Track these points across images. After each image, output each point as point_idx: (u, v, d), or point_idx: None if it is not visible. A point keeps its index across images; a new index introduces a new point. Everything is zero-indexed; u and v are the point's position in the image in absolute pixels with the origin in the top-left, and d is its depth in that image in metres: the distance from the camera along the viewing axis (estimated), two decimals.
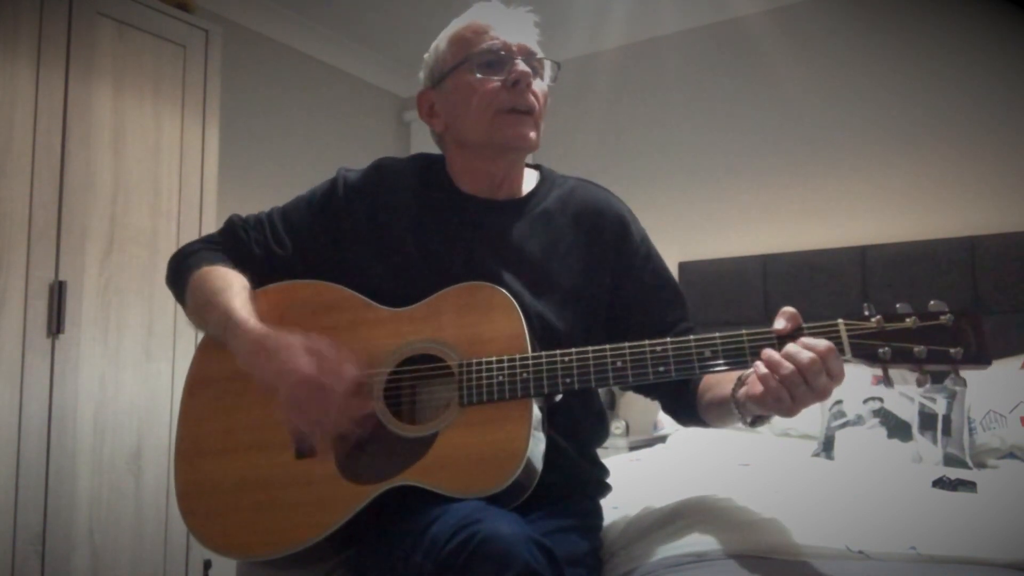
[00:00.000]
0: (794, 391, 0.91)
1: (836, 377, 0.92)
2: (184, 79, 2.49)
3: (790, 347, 0.93)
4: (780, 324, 0.97)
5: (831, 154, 3.12)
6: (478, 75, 1.16)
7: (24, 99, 2.09)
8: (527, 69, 1.16)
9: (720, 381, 1.11)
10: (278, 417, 1.04)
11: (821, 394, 0.91)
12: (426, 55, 1.25)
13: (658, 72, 3.56)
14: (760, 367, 0.93)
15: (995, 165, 2.81)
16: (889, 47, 3.04)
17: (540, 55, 1.20)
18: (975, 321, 0.93)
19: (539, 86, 1.19)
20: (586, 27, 3.56)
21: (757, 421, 1.05)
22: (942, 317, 0.94)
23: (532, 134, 1.17)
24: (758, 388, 0.95)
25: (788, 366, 0.91)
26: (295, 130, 3.54)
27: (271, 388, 1.02)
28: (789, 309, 0.98)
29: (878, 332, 0.95)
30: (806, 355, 0.90)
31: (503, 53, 1.16)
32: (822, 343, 0.92)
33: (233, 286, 1.13)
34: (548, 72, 1.23)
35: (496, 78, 1.15)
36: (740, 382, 1.03)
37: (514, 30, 1.19)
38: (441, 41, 1.22)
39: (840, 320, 0.96)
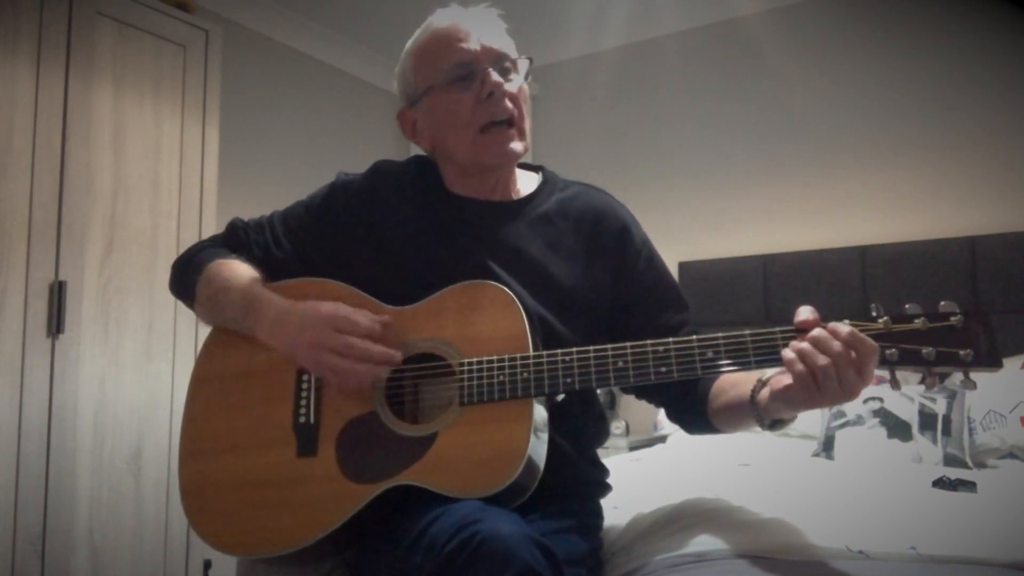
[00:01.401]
0: (821, 381, 0.89)
1: (864, 364, 0.89)
2: (184, 79, 2.49)
3: (818, 332, 0.91)
4: (803, 316, 0.95)
5: (831, 154, 3.12)
6: (451, 92, 1.14)
7: (24, 99, 2.09)
8: (499, 79, 1.14)
9: (736, 384, 1.10)
10: (309, 368, 1.07)
11: (848, 387, 0.89)
12: (397, 69, 1.23)
13: (658, 72, 3.56)
14: (788, 353, 0.92)
15: (995, 165, 2.81)
16: (889, 47, 3.04)
17: (512, 56, 1.18)
18: (985, 322, 0.91)
19: (515, 85, 1.16)
20: (586, 27, 3.56)
21: (776, 424, 1.04)
22: (952, 318, 0.91)
23: (516, 145, 1.16)
24: (783, 381, 0.94)
25: (819, 355, 0.89)
26: (295, 130, 3.54)
27: (296, 345, 1.05)
28: (807, 308, 0.96)
29: (886, 333, 0.93)
30: (836, 345, 0.89)
31: (472, 66, 1.14)
32: (844, 328, 0.91)
33: (249, 272, 1.17)
34: (523, 66, 1.19)
35: (469, 92, 1.13)
36: (761, 383, 1.02)
37: (479, 32, 1.15)
38: (408, 57, 1.20)
39: (847, 321, 0.94)
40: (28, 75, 2.09)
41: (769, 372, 1.01)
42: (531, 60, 1.21)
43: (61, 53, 2.16)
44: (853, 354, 0.89)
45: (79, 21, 2.20)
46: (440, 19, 1.18)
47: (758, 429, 1.07)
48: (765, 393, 1.01)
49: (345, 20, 3.55)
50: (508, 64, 1.17)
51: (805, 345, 0.91)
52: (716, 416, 1.15)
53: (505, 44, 1.18)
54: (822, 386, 0.89)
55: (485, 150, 1.15)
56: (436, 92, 1.16)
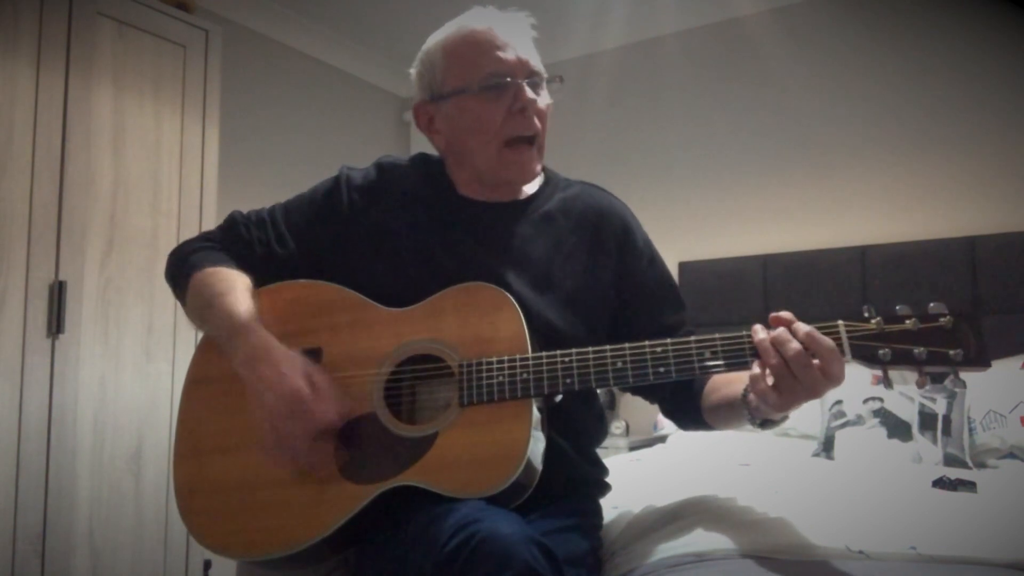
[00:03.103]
0: (781, 382, 0.92)
1: (833, 378, 0.92)
2: (184, 79, 2.49)
3: (779, 333, 0.93)
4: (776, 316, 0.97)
5: (831, 154, 3.12)
6: (481, 100, 1.14)
7: (24, 99, 2.09)
8: (533, 96, 1.15)
9: (729, 382, 1.10)
10: (256, 419, 1.03)
11: (810, 389, 0.92)
12: (417, 61, 1.22)
13: (658, 72, 3.56)
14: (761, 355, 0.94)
15: (995, 165, 2.81)
16: (889, 47, 3.04)
17: (544, 74, 1.18)
18: (974, 323, 0.94)
19: (543, 102, 1.18)
20: (586, 27, 3.56)
21: (767, 424, 1.05)
22: (942, 319, 0.94)
23: (535, 165, 1.19)
24: (762, 384, 0.95)
25: (775, 354, 0.92)
26: (295, 130, 3.54)
27: (260, 393, 1.01)
28: (780, 313, 0.97)
29: (878, 334, 0.95)
30: (792, 346, 0.91)
31: (507, 77, 1.14)
32: (802, 328, 0.93)
33: (236, 288, 1.13)
34: (550, 86, 1.21)
35: (500, 103, 1.14)
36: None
37: (514, 42, 1.16)
38: (436, 51, 1.19)
39: (840, 321, 0.96)
40: (28, 75, 2.09)
41: None
42: (561, 79, 1.21)
43: (61, 53, 2.16)
44: (814, 356, 0.91)
45: (79, 21, 2.21)
46: (477, 20, 1.17)
47: (749, 427, 1.08)
48: (753, 394, 1.01)
49: (345, 20, 3.55)
50: (538, 80, 1.18)
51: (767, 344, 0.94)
52: (709, 414, 1.16)
53: (536, 57, 1.18)
54: (784, 383, 0.92)
55: (506, 166, 1.17)
56: (466, 97, 1.15)
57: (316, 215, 1.22)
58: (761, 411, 1.01)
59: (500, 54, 1.14)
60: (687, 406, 1.20)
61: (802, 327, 0.93)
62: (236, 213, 1.27)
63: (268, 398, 1.00)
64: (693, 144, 3.44)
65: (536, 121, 1.16)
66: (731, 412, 1.09)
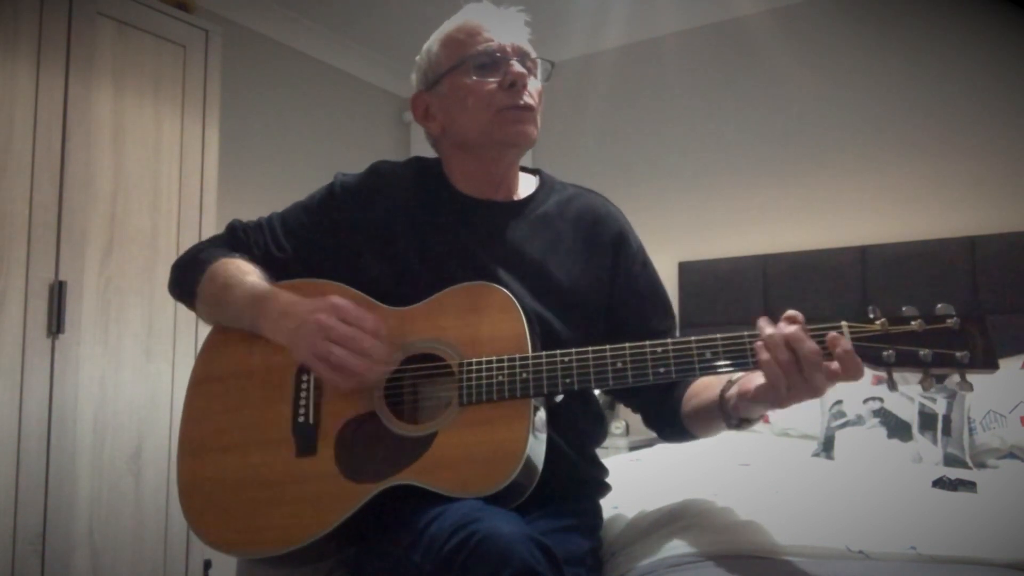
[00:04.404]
0: (791, 379, 0.90)
1: (851, 370, 0.90)
2: (184, 79, 2.49)
3: (795, 331, 0.91)
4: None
5: (831, 154, 3.12)
6: (474, 77, 1.16)
7: (24, 99, 2.09)
8: (523, 70, 1.16)
9: (708, 386, 1.11)
10: (308, 358, 1.04)
11: (816, 389, 0.90)
12: (418, 57, 1.25)
13: (658, 72, 3.56)
14: (762, 351, 0.92)
15: (995, 165, 2.81)
16: (889, 47, 3.04)
17: (533, 55, 1.21)
18: (982, 325, 0.91)
19: (534, 85, 1.19)
20: (586, 27, 3.57)
21: (743, 424, 1.06)
22: (948, 320, 0.92)
23: (531, 129, 1.18)
24: (752, 382, 0.95)
25: (788, 350, 0.90)
26: (295, 130, 3.54)
27: (299, 334, 1.03)
28: (793, 312, 0.97)
29: (883, 335, 0.93)
30: (809, 344, 0.90)
31: (498, 55, 1.16)
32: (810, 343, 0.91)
33: (254, 270, 1.17)
34: (541, 72, 1.23)
35: (492, 79, 1.16)
36: (731, 383, 1.04)
37: (507, 30, 1.19)
38: (433, 43, 1.22)
39: (844, 322, 0.94)
40: (28, 75, 2.10)
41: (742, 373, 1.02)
42: (552, 64, 1.23)
43: (61, 53, 2.16)
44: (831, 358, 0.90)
45: (79, 21, 2.21)
46: (472, 11, 1.21)
47: (725, 429, 1.08)
48: (734, 391, 1.02)
49: (345, 20, 3.55)
50: (530, 63, 1.20)
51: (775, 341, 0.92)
52: (688, 419, 1.16)
53: (528, 45, 1.21)
54: (791, 383, 0.91)
55: (502, 127, 1.16)
56: (459, 74, 1.17)
57: (312, 221, 1.24)
58: (738, 410, 1.02)
59: (491, 35, 1.18)
60: (668, 415, 1.20)
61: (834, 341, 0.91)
62: (235, 221, 1.29)
63: (304, 344, 1.02)
64: (693, 144, 3.44)
65: (528, 95, 1.17)
66: (709, 415, 1.10)
